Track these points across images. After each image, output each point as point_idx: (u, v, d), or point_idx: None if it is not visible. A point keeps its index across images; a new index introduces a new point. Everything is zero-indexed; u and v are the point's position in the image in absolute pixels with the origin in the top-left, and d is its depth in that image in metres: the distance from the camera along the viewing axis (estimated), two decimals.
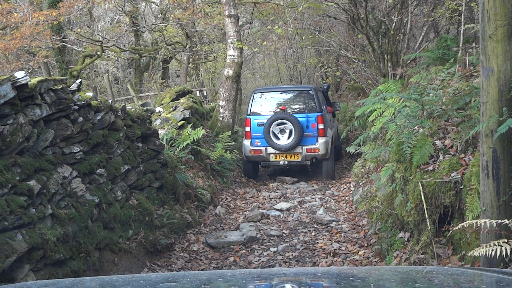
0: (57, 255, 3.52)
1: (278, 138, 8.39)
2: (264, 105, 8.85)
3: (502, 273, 1.49)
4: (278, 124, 8.35)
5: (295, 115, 8.41)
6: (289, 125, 8.30)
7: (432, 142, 4.15)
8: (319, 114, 8.52)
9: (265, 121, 8.43)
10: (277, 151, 8.47)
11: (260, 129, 8.51)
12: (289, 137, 8.33)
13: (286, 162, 8.53)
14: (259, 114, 8.76)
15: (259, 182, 8.96)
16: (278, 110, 8.63)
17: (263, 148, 8.56)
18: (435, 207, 3.87)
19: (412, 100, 4.68)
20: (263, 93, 9.05)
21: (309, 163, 8.61)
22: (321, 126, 8.45)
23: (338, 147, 9.84)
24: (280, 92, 9.20)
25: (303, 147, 8.40)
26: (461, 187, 3.64)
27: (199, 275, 1.67)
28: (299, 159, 8.48)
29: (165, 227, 5.36)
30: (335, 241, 5.40)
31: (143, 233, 4.97)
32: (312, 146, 8.38)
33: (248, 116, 8.84)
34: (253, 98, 8.93)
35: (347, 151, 6.39)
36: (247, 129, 8.80)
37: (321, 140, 8.41)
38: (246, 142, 8.75)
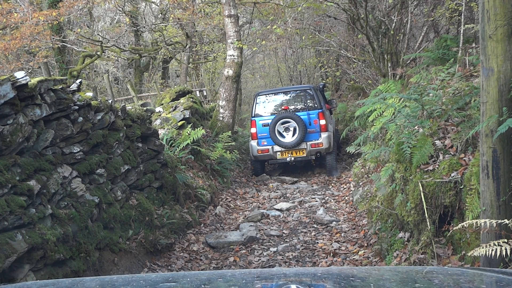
0: (57, 255, 3.52)
1: (283, 136, 8.75)
2: (267, 106, 9.27)
3: (502, 273, 1.49)
4: (282, 123, 8.73)
5: (297, 113, 8.81)
6: (292, 123, 8.66)
7: (432, 142, 4.14)
8: (319, 111, 8.92)
9: (269, 121, 8.82)
10: (283, 149, 8.83)
11: (266, 129, 8.88)
12: (293, 135, 8.69)
13: (293, 159, 8.89)
14: (263, 115, 9.14)
15: (259, 182, 8.98)
16: (281, 110, 9.00)
17: (269, 147, 8.92)
18: (435, 207, 3.87)
19: (412, 100, 4.68)
20: (266, 95, 9.43)
21: (313, 158, 8.98)
22: (322, 122, 8.83)
23: (337, 143, 9.97)
24: (281, 93, 9.56)
25: (308, 143, 8.78)
26: (461, 187, 3.64)
27: (199, 275, 1.67)
28: (305, 155, 8.85)
29: (165, 227, 5.35)
30: (335, 241, 5.40)
31: (143, 233, 4.97)
32: (316, 141, 8.77)
33: (253, 118, 9.21)
34: (256, 101, 9.32)
35: (347, 151, 6.39)
36: (253, 130, 9.15)
37: (324, 135, 8.79)
38: (253, 143, 9.09)
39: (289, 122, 8.67)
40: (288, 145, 8.69)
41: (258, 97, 9.35)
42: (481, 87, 2.95)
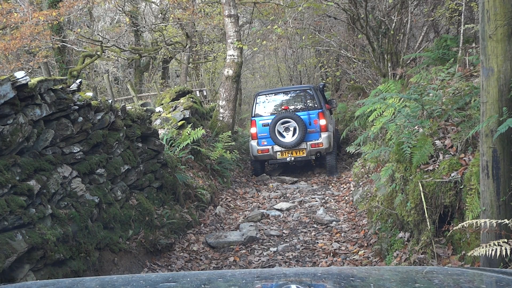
0: (57, 255, 3.52)
1: (283, 136, 8.74)
2: (267, 106, 9.26)
3: (502, 273, 1.49)
4: (282, 123, 8.72)
5: (297, 113, 8.80)
6: (293, 123, 8.66)
7: (432, 142, 4.15)
8: (319, 111, 8.91)
9: (269, 121, 8.81)
10: (283, 149, 8.82)
11: (266, 129, 8.87)
12: (293, 135, 8.68)
13: (293, 159, 8.88)
14: (263, 115, 9.13)
15: (259, 182, 8.98)
16: (281, 110, 8.99)
17: (269, 147, 8.91)
18: (435, 207, 3.87)
19: (412, 100, 4.68)
20: (266, 95, 9.42)
21: (313, 158, 8.98)
22: (322, 122, 8.82)
23: (337, 143, 9.97)
24: (281, 93, 9.55)
25: (308, 143, 8.77)
26: (461, 187, 3.64)
27: (199, 275, 1.67)
28: (305, 155, 8.83)
29: (165, 227, 5.35)
30: (335, 241, 5.40)
31: (143, 233, 4.97)
32: (316, 141, 8.76)
33: (253, 118, 9.20)
34: (256, 101, 9.31)
35: (347, 151, 6.38)
36: (253, 130, 9.14)
37: (324, 135, 8.78)
38: (253, 143, 9.08)
39: (289, 122, 8.66)
40: (288, 145, 8.68)
41: (258, 97, 9.34)
42: (481, 87, 2.95)
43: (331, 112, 10.29)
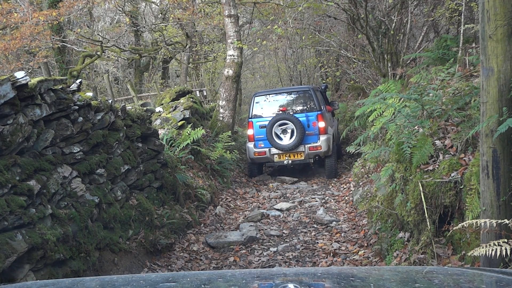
0: (57, 255, 3.52)
1: (280, 139, 8.56)
2: (265, 107, 9.04)
3: (502, 273, 1.49)
4: (280, 125, 8.53)
5: (295, 115, 8.60)
6: (290, 125, 8.48)
7: (432, 142, 4.15)
8: (318, 112, 8.70)
9: (267, 123, 8.62)
10: (280, 151, 8.63)
11: (263, 131, 8.69)
12: (291, 137, 8.50)
13: (290, 162, 8.69)
14: (260, 117, 8.95)
15: (259, 182, 8.97)
16: (279, 111, 8.79)
17: (266, 150, 8.72)
18: (435, 207, 3.87)
19: (412, 100, 4.68)
20: (263, 96, 9.22)
21: (312, 161, 8.78)
22: (321, 124, 8.62)
23: (338, 146, 9.88)
24: (280, 93, 9.32)
25: (306, 146, 8.57)
26: (461, 187, 3.64)
27: (199, 275, 1.67)
28: (303, 158, 8.64)
29: (165, 227, 5.36)
30: (335, 241, 5.40)
31: (143, 233, 4.97)
32: (314, 144, 8.55)
33: (250, 119, 9.02)
34: (254, 102, 9.13)
35: (347, 151, 6.39)
36: (250, 132, 8.96)
37: (323, 137, 8.57)
38: (250, 145, 8.91)
39: (286, 124, 8.47)
40: (285, 148, 8.50)
41: (255, 98, 9.16)
42: (481, 87, 2.95)
43: (333, 114, 10.11)
